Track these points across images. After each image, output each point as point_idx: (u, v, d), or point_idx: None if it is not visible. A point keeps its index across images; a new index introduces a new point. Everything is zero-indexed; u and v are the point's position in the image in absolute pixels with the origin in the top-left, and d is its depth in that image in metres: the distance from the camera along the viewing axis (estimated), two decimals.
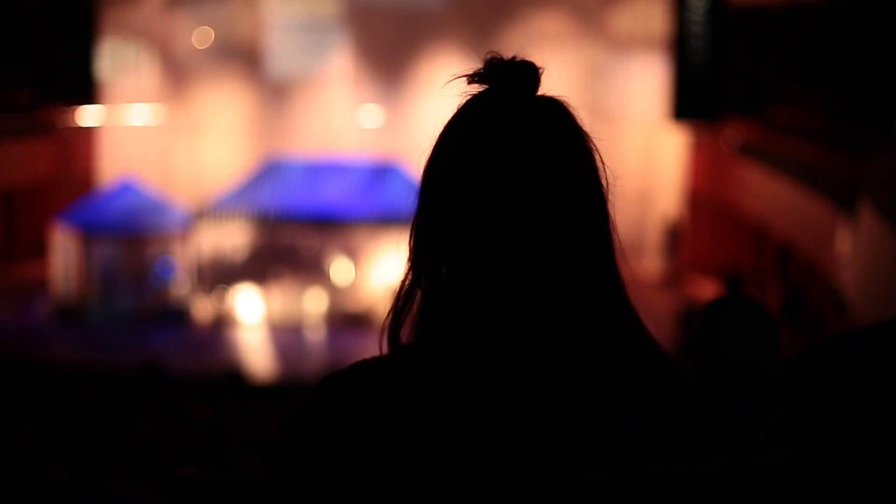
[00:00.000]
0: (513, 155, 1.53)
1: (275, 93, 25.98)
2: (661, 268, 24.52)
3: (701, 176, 25.36)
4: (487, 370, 1.48)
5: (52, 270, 20.99)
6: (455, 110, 1.64)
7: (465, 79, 1.64)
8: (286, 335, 20.26)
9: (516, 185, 1.51)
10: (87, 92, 26.35)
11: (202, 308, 20.93)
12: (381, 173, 21.72)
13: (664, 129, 24.61)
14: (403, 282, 1.67)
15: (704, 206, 25.43)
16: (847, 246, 14.91)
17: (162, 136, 26.25)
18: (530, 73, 1.63)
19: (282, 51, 25.91)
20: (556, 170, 1.55)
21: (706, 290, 22.64)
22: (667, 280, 23.97)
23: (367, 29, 25.68)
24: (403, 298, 1.65)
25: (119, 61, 26.06)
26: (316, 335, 20.43)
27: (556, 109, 1.63)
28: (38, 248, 23.70)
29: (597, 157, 1.64)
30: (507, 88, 1.60)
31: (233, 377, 17.12)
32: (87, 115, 26.71)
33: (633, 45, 25.13)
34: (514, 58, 1.62)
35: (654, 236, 24.79)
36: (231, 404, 14.99)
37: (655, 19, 24.70)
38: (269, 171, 21.82)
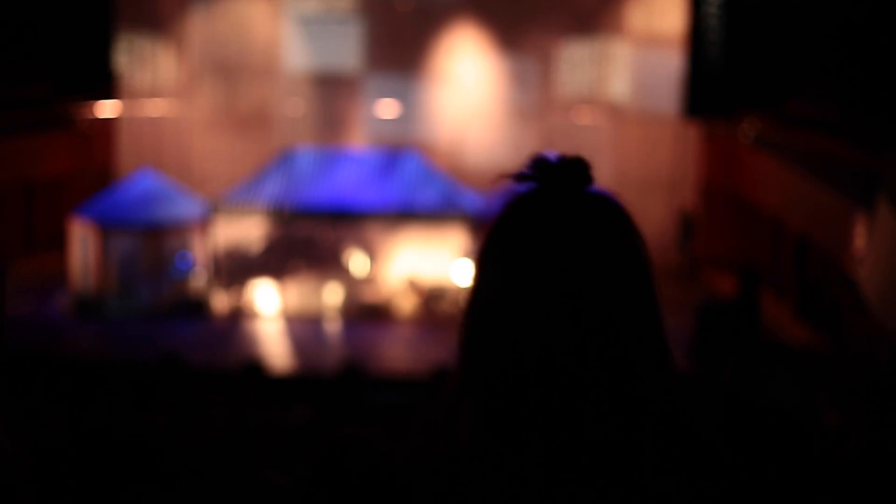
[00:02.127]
0: (564, 255, 1.52)
1: (290, 85, 26.06)
2: (677, 260, 24.53)
3: (717, 168, 25.33)
4: (539, 471, 1.48)
5: (71, 264, 21.09)
6: (504, 208, 1.59)
7: (513, 177, 1.61)
8: (303, 327, 20.33)
9: (568, 286, 1.50)
10: (105, 85, 26.47)
11: (220, 301, 21.02)
12: (397, 165, 21.75)
13: (680, 122, 24.56)
14: (453, 378, 1.66)
15: (720, 199, 25.40)
16: (863, 240, 14.90)
17: (179, 129, 26.36)
18: (580, 170, 1.62)
19: (297, 43, 25.97)
20: (607, 269, 1.53)
21: (723, 283, 22.66)
22: (683, 272, 23.98)
23: (381, 21, 25.72)
24: (454, 398, 1.63)
25: (136, 54, 26.17)
26: (333, 327, 20.49)
27: (608, 208, 1.61)
28: (57, 242, 23.83)
29: (646, 254, 1.61)
30: (558, 186, 1.59)
31: (251, 370, 17.22)
32: (104, 109, 26.81)
33: (649, 38, 25.10)
34: (562, 156, 1.62)
35: (670, 228, 24.78)
36: (249, 397, 15.09)
37: (672, 13, 24.67)
38: (285, 164, 21.88)
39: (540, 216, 1.55)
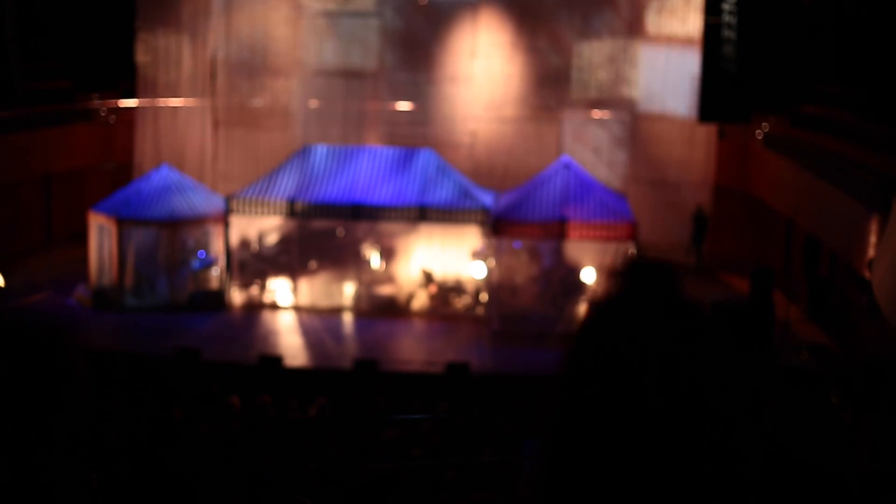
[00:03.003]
0: (655, 361, 1.53)
1: (309, 82, 26.20)
2: (691, 256, 24.63)
3: (730, 170, 25.41)
4: None
5: (90, 256, 21.27)
6: (596, 312, 1.61)
7: (607, 279, 1.63)
8: (319, 322, 20.48)
9: (657, 393, 1.52)
10: (126, 82, 26.72)
11: (237, 295, 21.21)
12: (412, 162, 21.86)
13: (695, 123, 24.62)
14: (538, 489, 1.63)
15: (733, 199, 25.49)
16: (876, 244, 14.98)
17: (198, 125, 26.54)
18: (669, 277, 1.61)
19: (317, 41, 26.10)
20: (697, 376, 1.54)
21: (739, 281, 22.74)
22: (698, 270, 24.08)
23: (400, 19, 25.83)
24: None
25: (157, 51, 26.34)
26: (348, 322, 20.63)
27: (695, 316, 1.60)
28: (77, 234, 24.06)
29: (729, 355, 1.61)
30: (649, 292, 1.60)
31: (266, 363, 17.39)
32: (125, 105, 27.04)
33: (667, 40, 25.16)
34: (653, 262, 1.64)
35: (684, 227, 24.89)
36: (264, 390, 15.24)
37: (689, 17, 24.75)
38: (301, 160, 22.00)
39: (631, 323, 1.57)
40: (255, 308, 21.06)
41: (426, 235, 21.00)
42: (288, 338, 19.48)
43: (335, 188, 21.37)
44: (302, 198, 21.16)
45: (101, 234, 21.00)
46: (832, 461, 2.71)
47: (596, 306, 1.60)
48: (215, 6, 26.04)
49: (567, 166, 20.94)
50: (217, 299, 21.01)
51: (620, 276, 1.61)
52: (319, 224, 21.34)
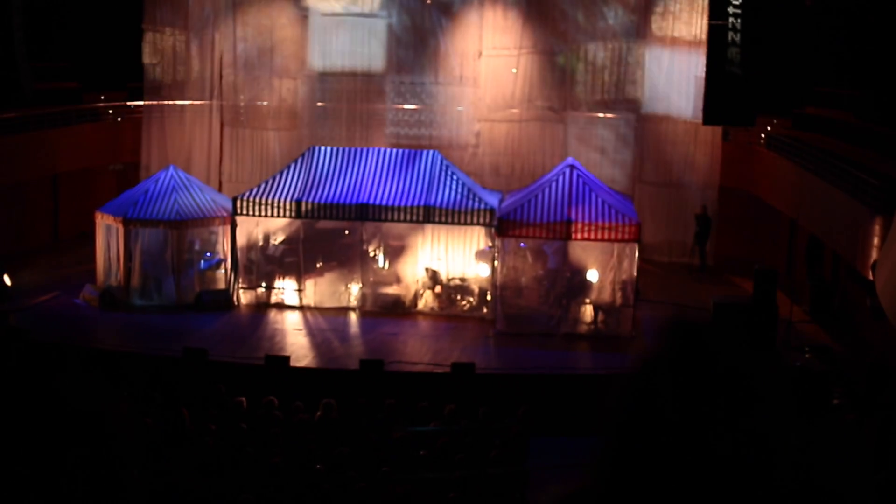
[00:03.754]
0: (699, 412, 1.62)
1: (315, 84, 26.27)
2: (695, 257, 24.69)
3: (734, 170, 25.46)
4: None
5: (97, 256, 21.36)
6: (642, 372, 1.68)
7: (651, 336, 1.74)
8: (325, 322, 20.54)
9: (703, 450, 1.61)
10: (132, 83, 26.83)
11: (243, 295, 21.28)
12: (417, 163, 21.93)
13: (699, 126, 24.65)
14: None
15: (736, 201, 25.54)
16: (880, 246, 15.05)
17: (204, 126, 26.63)
18: (710, 337, 1.68)
19: (322, 43, 26.18)
20: (741, 424, 1.64)
21: (739, 280, 22.83)
22: (700, 269, 24.17)
23: (405, 19, 25.90)
24: None
25: (164, 52, 26.44)
26: (354, 321, 20.70)
27: (737, 373, 1.67)
28: (84, 234, 24.17)
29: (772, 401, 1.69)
30: (689, 353, 1.67)
31: (272, 363, 17.47)
32: (131, 105, 27.13)
33: (671, 42, 25.19)
34: (694, 324, 1.70)
35: (689, 227, 24.94)
36: (270, 390, 15.33)
37: (694, 19, 24.80)
38: (308, 161, 22.07)
39: (676, 380, 1.66)
40: (261, 308, 21.15)
41: (432, 236, 21.08)
42: (294, 338, 19.54)
43: (341, 189, 21.44)
44: (308, 198, 21.23)
45: (108, 234, 21.08)
46: (855, 490, 2.74)
47: (642, 368, 1.69)
48: (222, 7, 26.13)
49: (572, 167, 20.99)
50: (224, 299, 21.10)
51: (664, 338, 1.69)
52: (325, 224, 21.43)
